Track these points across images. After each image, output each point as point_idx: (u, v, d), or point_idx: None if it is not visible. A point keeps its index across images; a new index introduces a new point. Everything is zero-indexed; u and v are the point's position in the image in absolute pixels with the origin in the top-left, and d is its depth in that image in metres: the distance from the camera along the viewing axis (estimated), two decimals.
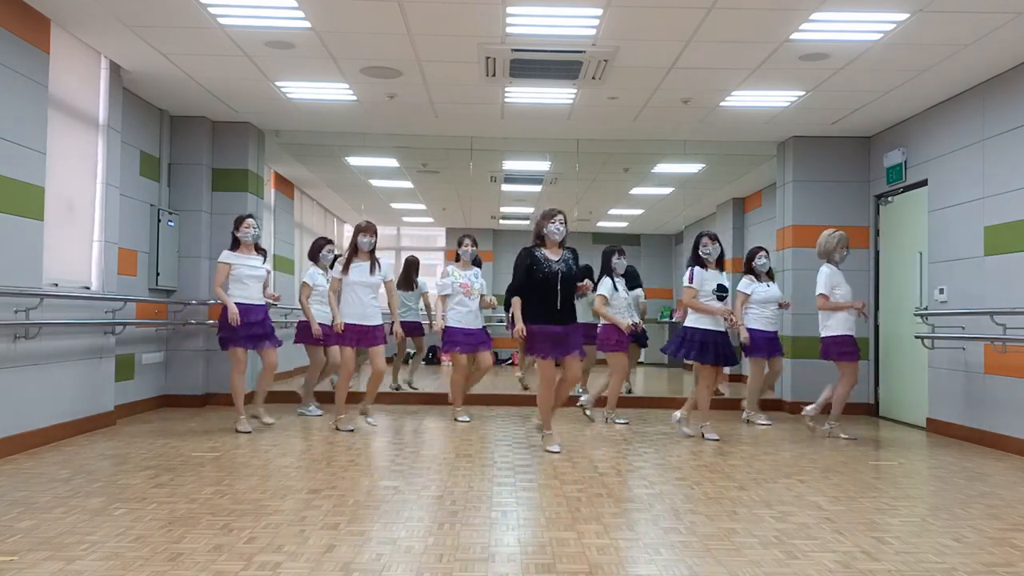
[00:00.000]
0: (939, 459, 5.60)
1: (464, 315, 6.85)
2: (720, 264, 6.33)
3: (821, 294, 6.36)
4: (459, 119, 8.01)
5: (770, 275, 7.23)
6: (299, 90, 7.05)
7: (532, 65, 6.21)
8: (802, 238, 8.32)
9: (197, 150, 8.01)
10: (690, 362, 6.43)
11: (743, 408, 7.31)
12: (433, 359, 13.58)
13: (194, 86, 6.95)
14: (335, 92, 7.08)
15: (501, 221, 14.39)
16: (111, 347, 6.43)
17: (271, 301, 6.52)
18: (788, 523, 3.72)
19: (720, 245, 6.28)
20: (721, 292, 6.15)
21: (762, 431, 6.75)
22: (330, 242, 7.48)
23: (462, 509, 3.88)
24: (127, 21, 5.50)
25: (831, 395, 6.43)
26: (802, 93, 6.87)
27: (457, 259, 7.07)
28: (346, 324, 6.20)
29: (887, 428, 7.18)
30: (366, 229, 6.31)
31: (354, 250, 6.30)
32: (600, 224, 14.34)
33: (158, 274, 7.48)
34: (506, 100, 7.26)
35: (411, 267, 8.77)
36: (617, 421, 7.01)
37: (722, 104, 7.24)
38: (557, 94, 7.04)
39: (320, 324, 7.02)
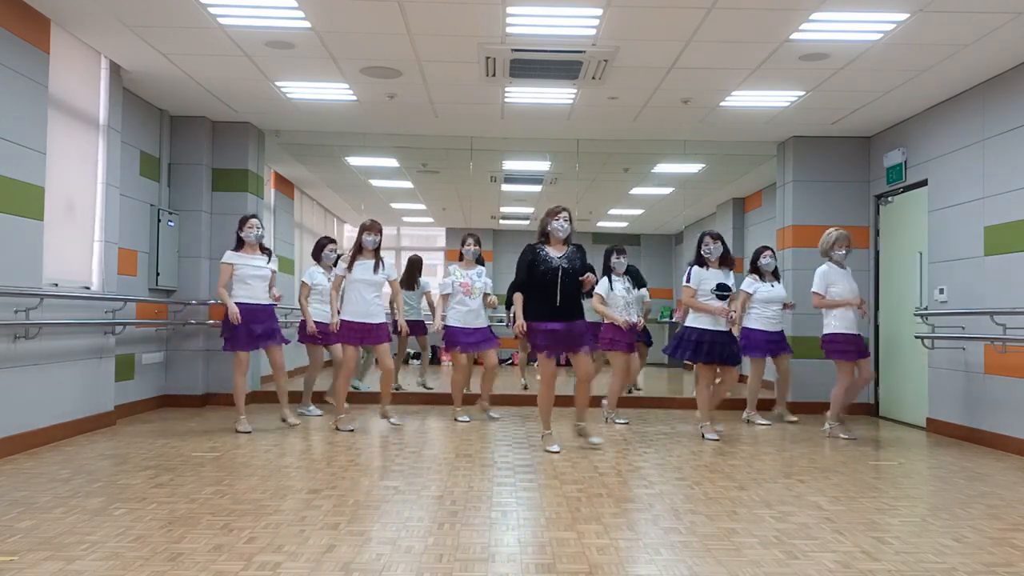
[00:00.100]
0: (939, 459, 5.60)
1: (464, 314, 6.85)
2: (726, 263, 6.27)
3: (815, 292, 6.45)
4: (459, 119, 8.01)
5: (775, 275, 7.23)
6: (299, 90, 7.05)
7: (532, 65, 6.21)
8: (802, 238, 8.32)
9: (197, 150, 8.01)
10: (688, 362, 6.44)
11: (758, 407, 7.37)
12: (433, 359, 13.59)
13: (194, 86, 6.95)
14: (335, 92, 7.08)
15: (501, 221, 14.40)
16: (111, 347, 6.43)
17: (273, 301, 6.51)
18: (788, 523, 3.72)
19: (723, 244, 6.26)
20: (721, 291, 6.14)
21: (762, 431, 6.75)
22: (333, 241, 7.49)
23: (462, 509, 3.88)
24: (127, 21, 5.50)
25: (858, 392, 6.47)
26: (802, 93, 6.87)
27: (461, 258, 7.07)
28: (349, 322, 6.22)
29: (887, 428, 7.18)
30: (371, 228, 6.33)
31: (359, 248, 6.31)
32: (600, 224, 14.34)
33: (158, 274, 7.48)
34: (506, 100, 7.26)
35: (414, 266, 8.77)
36: (617, 421, 7.01)
37: (722, 104, 7.24)
38: (557, 94, 7.04)
39: (320, 323, 7.03)
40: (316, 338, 7.12)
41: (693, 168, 10.09)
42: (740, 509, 3.97)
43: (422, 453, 5.41)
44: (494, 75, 6.46)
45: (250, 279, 6.22)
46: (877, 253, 8.12)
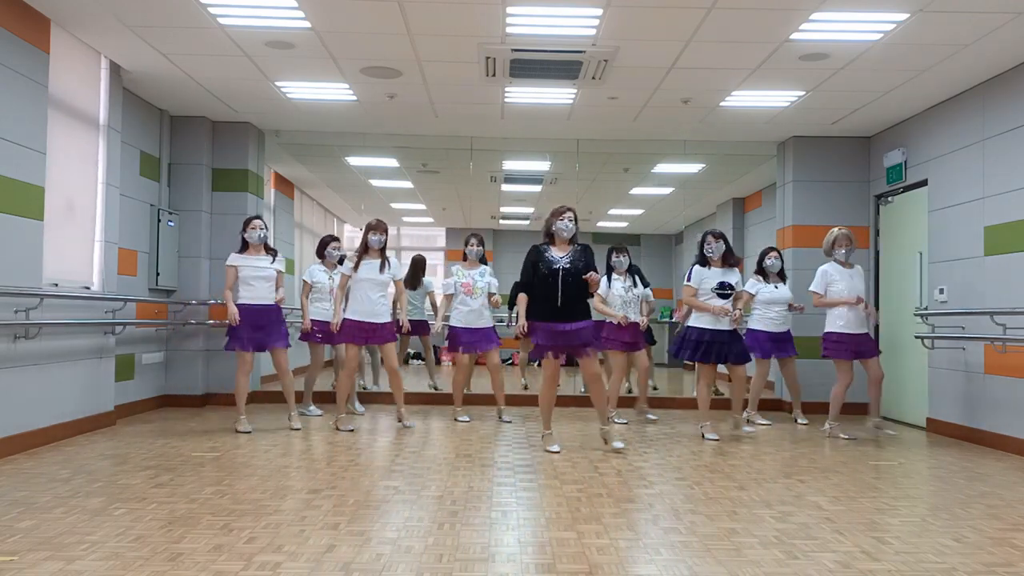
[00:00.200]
0: (939, 459, 5.60)
1: (466, 314, 6.86)
2: (729, 261, 6.25)
3: (813, 291, 6.49)
4: (459, 119, 8.01)
5: (781, 276, 7.22)
6: (299, 90, 7.05)
7: (532, 65, 6.21)
8: (802, 238, 8.32)
9: (197, 150, 8.01)
10: (687, 362, 6.44)
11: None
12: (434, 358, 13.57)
13: (194, 86, 6.95)
14: (335, 92, 7.08)
15: (501, 221, 14.38)
16: (111, 347, 6.43)
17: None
18: (788, 523, 3.72)
19: (725, 243, 6.26)
20: (723, 290, 6.13)
21: (762, 431, 6.75)
22: (336, 239, 7.49)
23: (462, 509, 3.88)
24: (127, 21, 5.50)
25: (875, 396, 6.46)
26: (802, 93, 6.87)
27: (465, 258, 7.07)
28: (354, 321, 6.22)
29: (886, 425, 7.18)
30: (376, 227, 6.33)
31: (364, 248, 6.31)
32: (600, 224, 14.32)
33: (158, 274, 7.48)
34: (506, 100, 7.26)
35: (418, 266, 8.75)
36: (617, 421, 7.01)
37: (722, 104, 7.24)
38: (557, 94, 7.04)
39: (323, 322, 7.04)
40: (316, 337, 7.13)
41: (693, 168, 10.09)
42: (740, 509, 3.97)
43: (422, 453, 5.41)
44: (494, 75, 6.46)
45: (253, 280, 6.22)
46: (877, 253, 8.12)
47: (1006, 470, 5.21)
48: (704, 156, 9.39)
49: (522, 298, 5.60)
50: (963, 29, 5.32)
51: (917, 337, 6.93)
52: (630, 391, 8.60)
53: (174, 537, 3.32)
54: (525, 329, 5.55)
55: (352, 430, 6.34)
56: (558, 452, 5.50)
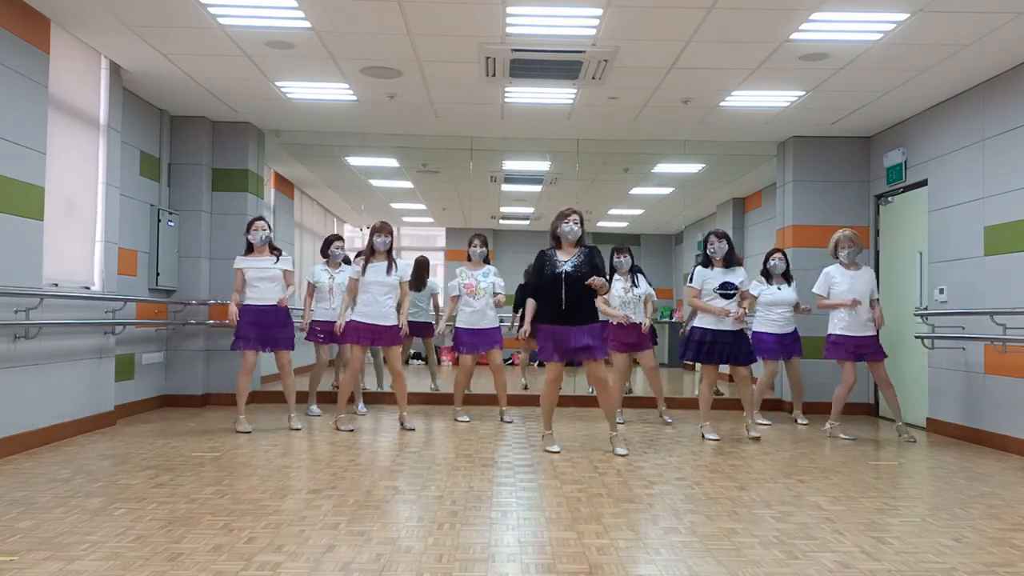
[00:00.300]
0: (939, 459, 5.60)
1: (469, 315, 6.87)
2: (732, 261, 6.23)
3: (815, 293, 6.53)
4: (459, 119, 8.01)
5: (786, 278, 7.21)
6: (299, 90, 7.05)
7: (532, 65, 6.21)
8: (802, 238, 8.32)
9: (197, 150, 8.01)
10: (687, 362, 6.43)
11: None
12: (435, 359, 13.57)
13: (194, 86, 6.95)
14: (335, 92, 7.08)
15: (501, 221, 14.38)
16: (111, 347, 6.43)
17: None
18: (788, 523, 3.72)
19: (728, 243, 6.25)
20: (725, 290, 6.13)
21: (763, 431, 6.74)
22: (340, 239, 7.51)
23: (462, 509, 3.88)
24: (127, 21, 5.50)
25: (889, 400, 6.47)
26: (802, 93, 6.87)
27: (469, 259, 7.08)
28: (361, 323, 6.22)
29: (887, 428, 7.18)
30: (381, 229, 6.33)
31: (371, 251, 6.32)
32: (600, 224, 14.32)
33: (158, 274, 7.48)
34: (506, 100, 7.26)
35: (422, 267, 8.71)
36: (616, 420, 7.00)
37: (722, 104, 7.24)
38: (557, 94, 7.04)
39: (326, 322, 7.08)
40: (319, 338, 7.17)
41: (693, 168, 10.09)
42: (740, 509, 3.97)
43: (422, 453, 5.41)
44: (494, 75, 6.46)
45: (257, 281, 6.23)
46: (877, 253, 8.12)
47: (1006, 470, 5.21)
48: (704, 156, 9.39)
49: (530, 304, 5.64)
50: (963, 29, 5.32)
51: (917, 337, 6.93)
52: (630, 391, 8.60)
53: (174, 537, 3.32)
54: (527, 334, 5.59)
55: (352, 430, 6.34)
56: (558, 452, 5.50)
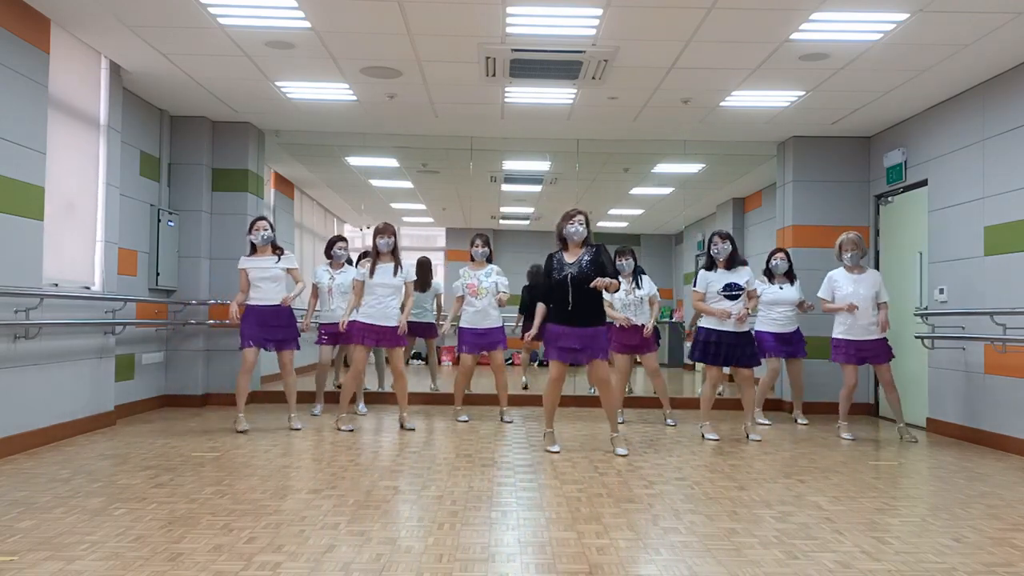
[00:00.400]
0: (939, 459, 5.60)
1: (471, 315, 6.88)
2: (736, 261, 6.22)
3: (820, 297, 6.57)
4: (459, 119, 8.01)
5: (790, 277, 7.20)
6: (299, 90, 7.05)
7: (532, 65, 6.21)
8: (802, 238, 8.32)
9: (197, 150, 8.01)
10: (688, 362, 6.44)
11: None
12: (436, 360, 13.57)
13: (194, 86, 6.95)
14: (335, 92, 7.08)
15: (501, 221, 14.39)
16: (111, 347, 6.43)
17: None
18: (788, 523, 3.72)
19: (732, 244, 6.25)
20: (729, 291, 6.13)
21: (762, 431, 6.74)
22: (343, 239, 7.52)
23: (462, 509, 3.88)
24: (127, 21, 5.50)
25: (891, 402, 6.47)
26: (802, 93, 6.87)
27: (472, 259, 7.08)
28: (366, 324, 6.23)
29: (887, 428, 7.18)
30: (383, 231, 6.34)
31: (376, 253, 6.33)
32: (600, 224, 14.31)
33: (158, 274, 7.48)
34: (506, 100, 7.26)
35: (425, 268, 8.69)
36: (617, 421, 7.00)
37: (722, 104, 7.24)
38: (557, 94, 7.04)
39: (327, 323, 7.16)
40: (323, 339, 7.23)
41: (693, 168, 10.09)
42: (740, 509, 3.97)
43: (422, 453, 5.41)
44: (494, 75, 6.46)
45: (260, 281, 6.24)
46: (877, 253, 8.12)
47: (1006, 470, 5.21)
48: (704, 156, 9.38)
49: (540, 308, 5.67)
50: (963, 29, 5.32)
51: (917, 337, 6.93)
52: (630, 391, 8.60)
53: (174, 537, 3.32)
54: (531, 337, 5.72)
55: (351, 430, 6.34)
56: (557, 452, 5.50)
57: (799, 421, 7.33)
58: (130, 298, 6.63)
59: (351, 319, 6.30)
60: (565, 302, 5.46)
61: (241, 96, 7.27)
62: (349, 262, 7.47)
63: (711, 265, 6.26)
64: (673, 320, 12.90)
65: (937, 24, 5.25)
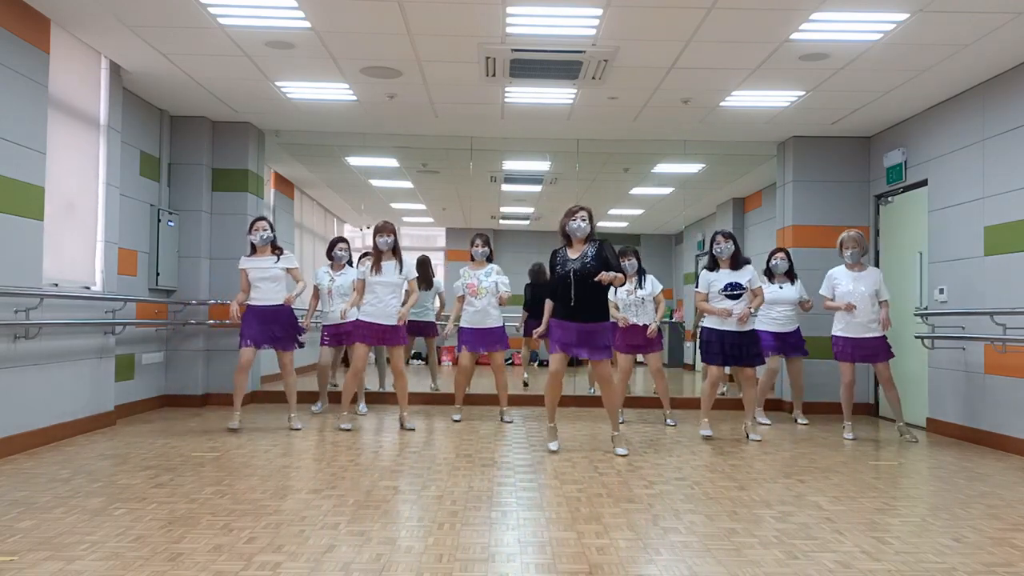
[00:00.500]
0: (939, 459, 5.60)
1: (471, 315, 6.88)
2: (738, 261, 6.23)
3: (821, 295, 6.59)
4: (459, 119, 8.01)
5: (790, 276, 7.20)
6: (299, 90, 7.05)
7: (532, 65, 6.21)
8: (802, 238, 8.32)
9: (197, 150, 8.01)
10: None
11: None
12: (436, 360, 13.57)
13: (194, 86, 6.95)
14: (335, 92, 7.08)
15: (501, 221, 14.39)
16: (111, 347, 6.43)
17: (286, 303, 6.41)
18: (788, 523, 3.72)
19: (734, 243, 6.26)
20: (731, 290, 6.13)
21: (762, 431, 6.74)
22: (344, 240, 7.53)
23: (462, 509, 3.88)
24: (127, 21, 5.50)
25: (890, 400, 6.48)
26: (802, 93, 6.87)
27: (472, 259, 7.08)
28: (367, 323, 6.24)
29: (887, 428, 7.18)
30: (382, 229, 6.35)
31: (377, 252, 6.33)
32: (600, 224, 14.25)
33: (158, 274, 7.48)
34: (506, 100, 7.26)
35: (425, 266, 8.68)
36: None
37: (722, 104, 7.24)
38: (557, 94, 7.04)
39: (328, 324, 7.22)
40: (324, 339, 7.25)
41: (693, 168, 10.09)
42: (740, 509, 3.97)
43: (422, 453, 5.41)
44: (494, 75, 6.46)
45: (259, 282, 6.25)
46: (877, 253, 8.12)
47: (1006, 470, 5.21)
48: (704, 156, 9.39)
49: (548, 305, 5.69)
50: (963, 29, 5.32)
51: (917, 337, 6.93)
52: (629, 391, 8.59)
53: (174, 537, 3.32)
54: (539, 333, 5.72)
55: (348, 429, 6.35)
56: (556, 451, 5.51)
57: (799, 421, 7.33)
58: (130, 298, 6.63)
59: (352, 319, 6.32)
60: (568, 297, 5.47)
61: (241, 96, 7.27)
62: (350, 263, 7.47)
63: (713, 265, 6.27)
64: (673, 320, 12.90)
65: (937, 24, 5.25)
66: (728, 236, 6.26)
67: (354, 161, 10.00)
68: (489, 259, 7.07)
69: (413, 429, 6.48)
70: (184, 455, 5.20)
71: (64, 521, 3.55)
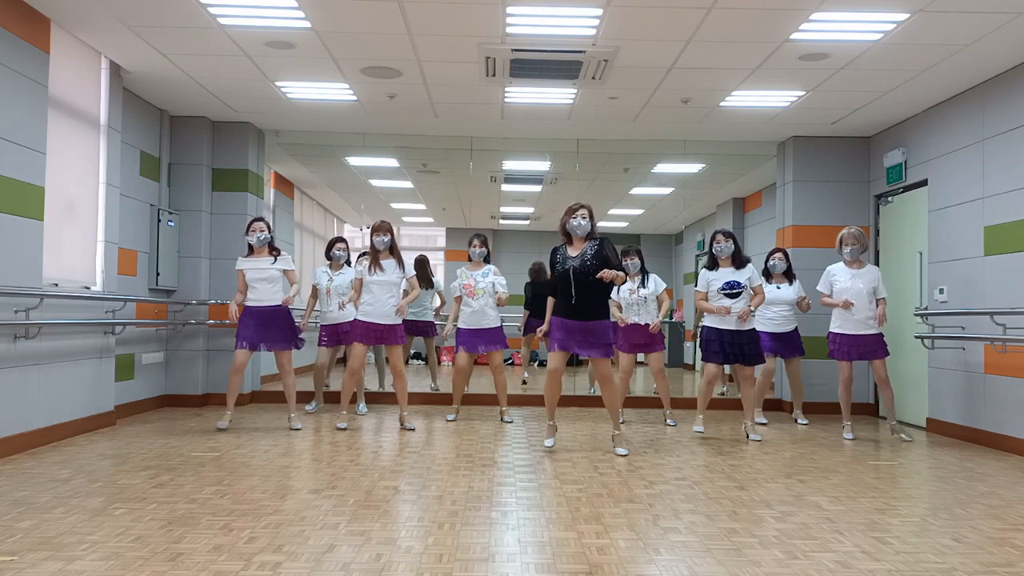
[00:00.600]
0: (939, 459, 5.60)
1: (468, 315, 6.88)
2: (737, 260, 6.23)
3: (818, 291, 6.61)
4: (459, 119, 8.01)
5: (788, 277, 7.20)
6: (299, 90, 7.05)
7: (532, 65, 6.21)
8: (802, 238, 8.32)
9: (197, 150, 8.01)
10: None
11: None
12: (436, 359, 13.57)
13: (194, 86, 6.95)
14: (335, 92, 7.08)
15: (501, 221, 14.39)
16: (111, 347, 6.43)
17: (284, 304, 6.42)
18: (788, 523, 3.72)
19: (734, 242, 6.26)
20: (729, 289, 6.14)
21: (762, 431, 6.74)
22: (342, 240, 7.54)
23: (462, 509, 3.88)
24: (127, 21, 5.50)
25: (884, 399, 6.48)
26: (802, 93, 6.87)
27: (470, 259, 7.08)
28: (364, 323, 6.26)
29: (887, 428, 7.18)
30: (379, 228, 6.36)
31: (374, 251, 6.34)
32: (600, 224, 14.27)
33: (158, 274, 7.48)
34: (506, 100, 7.26)
35: (423, 265, 8.67)
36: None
37: (722, 104, 7.24)
38: (557, 94, 7.04)
39: (326, 325, 7.22)
40: (322, 340, 7.25)
41: (693, 168, 10.09)
42: (740, 509, 3.97)
43: (422, 453, 5.41)
44: (494, 75, 6.46)
45: (255, 282, 6.26)
46: (877, 253, 8.12)
47: (1006, 470, 5.21)
48: (704, 156, 9.39)
49: (550, 302, 5.69)
50: (963, 29, 5.32)
51: (917, 337, 6.93)
52: (629, 391, 8.59)
53: (174, 537, 3.32)
54: (543, 331, 5.73)
55: (344, 428, 6.35)
56: (550, 448, 5.54)
57: (799, 421, 7.33)
58: (130, 298, 6.63)
59: (351, 318, 6.34)
60: (567, 295, 5.47)
61: (241, 96, 7.27)
62: (348, 263, 7.48)
63: (713, 264, 6.28)
64: (673, 320, 12.90)
65: (937, 24, 5.25)
66: (728, 235, 6.26)
67: (354, 161, 10.00)
68: (487, 260, 7.07)
69: (413, 429, 6.48)
70: (184, 455, 5.20)
71: (64, 521, 3.55)
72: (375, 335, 6.28)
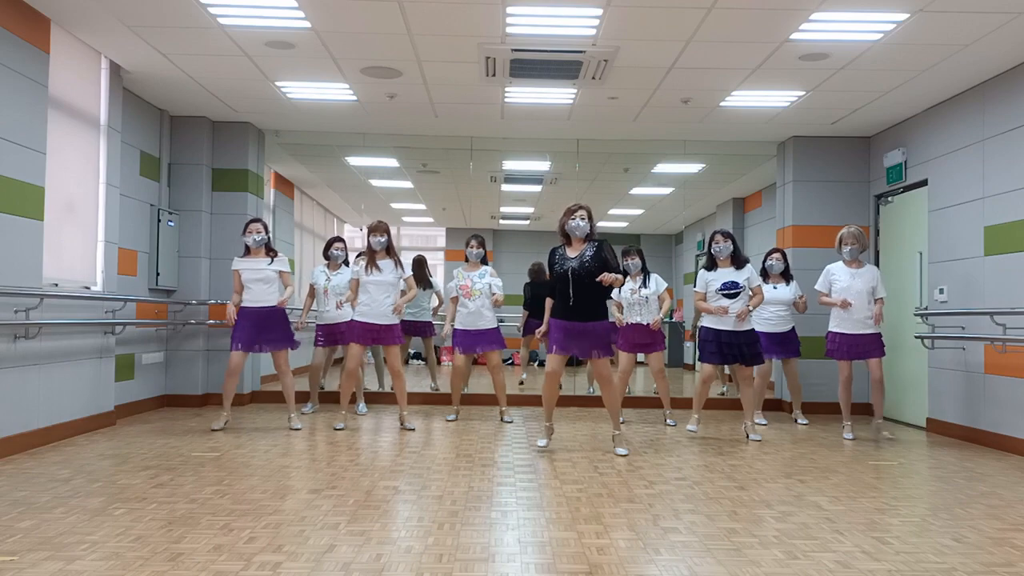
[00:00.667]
0: (939, 459, 5.60)
1: (464, 316, 6.89)
2: (737, 260, 6.23)
3: (817, 290, 6.61)
4: (459, 119, 8.01)
5: (786, 277, 7.20)
6: (299, 90, 7.05)
7: (532, 65, 6.21)
8: (802, 238, 8.32)
9: (197, 150, 8.01)
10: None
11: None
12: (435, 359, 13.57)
13: (194, 86, 6.95)
14: (335, 92, 7.08)
15: (501, 221, 14.39)
16: (111, 347, 6.43)
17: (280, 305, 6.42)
18: (788, 523, 3.72)
19: (733, 242, 6.26)
20: (728, 289, 6.14)
21: (762, 431, 6.74)
22: (340, 240, 7.54)
23: (462, 509, 3.88)
24: (127, 21, 5.50)
25: (875, 398, 6.49)
26: (802, 93, 6.87)
27: (467, 260, 7.09)
28: (361, 323, 6.27)
29: (887, 428, 7.18)
30: (375, 229, 6.37)
31: (371, 251, 6.35)
32: (600, 224, 14.26)
33: (158, 274, 7.49)
34: (506, 100, 7.26)
35: (421, 266, 8.67)
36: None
37: (722, 104, 7.24)
38: (557, 94, 7.04)
39: (323, 324, 7.24)
40: (319, 340, 7.26)
41: (693, 168, 10.10)
42: (740, 509, 3.97)
43: (422, 453, 5.41)
44: (494, 75, 6.46)
45: (251, 283, 6.26)
46: (877, 253, 8.12)
47: (1006, 470, 5.21)
48: (704, 156, 9.39)
49: (548, 303, 5.71)
50: (963, 29, 5.32)
51: (917, 337, 6.93)
52: (629, 391, 8.59)
53: (174, 537, 3.32)
54: (542, 332, 5.76)
55: (342, 428, 6.36)
56: (543, 446, 5.57)
57: (799, 421, 7.33)
58: (130, 298, 6.63)
59: (347, 318, 6.35)
60: (566, 296, 5.47)
61: (241, 96, 7.27)
62: (346, 263, 7.48)
63: (712, 264, 6.28)
64: (673, 320, 12.90)
65: (937, 24, 5.25)
66: (727, 235, 6.26)
67: (354, 161, 10.00)
68: (484, 261, 7.08)
69: (413, 429, 6.48)
70: (184, 455, 5.20)
71: (64, 521, 3.55)
72: (371, 335, 6.28)
